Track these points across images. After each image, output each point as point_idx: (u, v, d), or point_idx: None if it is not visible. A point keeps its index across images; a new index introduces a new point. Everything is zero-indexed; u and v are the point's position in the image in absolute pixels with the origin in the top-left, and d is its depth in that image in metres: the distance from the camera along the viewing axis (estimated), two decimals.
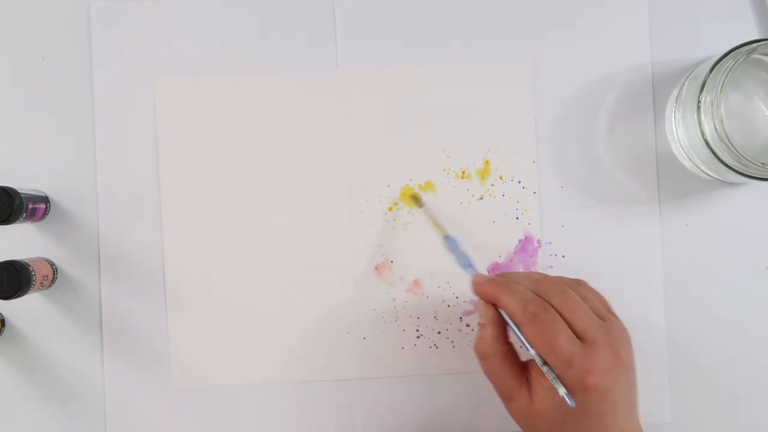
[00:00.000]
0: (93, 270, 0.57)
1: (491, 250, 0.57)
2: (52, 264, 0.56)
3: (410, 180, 0.57)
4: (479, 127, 0.57)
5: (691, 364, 0.56)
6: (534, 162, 0.57)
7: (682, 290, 0.57)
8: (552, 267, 0.57)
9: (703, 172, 0.55)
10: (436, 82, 0.57)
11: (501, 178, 0.57)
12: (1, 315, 0.56)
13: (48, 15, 0.57)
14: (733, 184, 0.56)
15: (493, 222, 0.57)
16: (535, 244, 0.57)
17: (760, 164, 0.50)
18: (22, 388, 0.56)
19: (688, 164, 0.56)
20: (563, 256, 0.57)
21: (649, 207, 0.57)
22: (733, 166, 0.50)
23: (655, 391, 0.56)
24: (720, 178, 0.55)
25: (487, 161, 0.57)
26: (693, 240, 0.57)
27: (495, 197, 0.57)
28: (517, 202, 0.57)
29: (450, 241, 0.53)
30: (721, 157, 0.51)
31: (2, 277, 0.51)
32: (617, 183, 0.57)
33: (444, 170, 0.57)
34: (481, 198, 0.57)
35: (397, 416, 0.57)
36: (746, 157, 0.50)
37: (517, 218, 0.57)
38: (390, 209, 0.57)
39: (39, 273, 0.53)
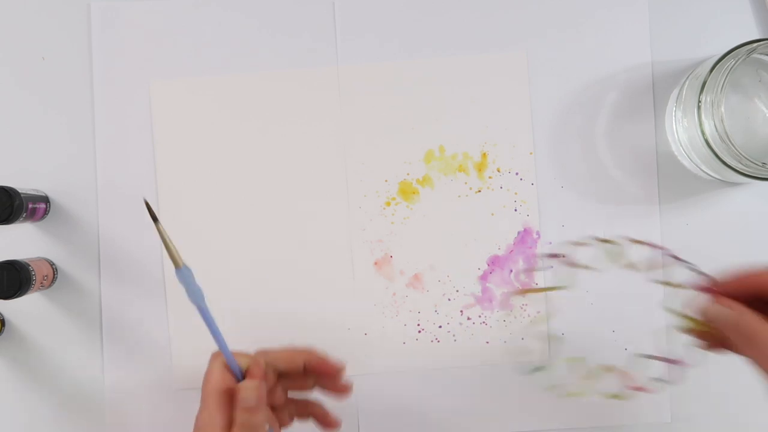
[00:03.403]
0: (93, 270, 0.57)
1: (491, 243, 0.57)
2: (52, 264, 0.56)
3: (407, 174, 0.57)
4: (476, 121, 0.57)
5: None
6: (531, 153, 0.57)
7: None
8: (552, 267, 0.57)
9: (703, 171, 0.55)
10: (434, 78, 0.57)
11: (498, 171, 0.57)
12: (1, 315, 0.56)
13: (48, 15, 0.57)
14: (733, 184, 0.56)
15: (492, 214, 0.57)
16: (534, 236, 0.57)
17: (760, 164, 0.50)
18: (22, 388, 0.56)
19: (688, 164, 0.56)
20: (563, 256, 0.57)
21: (649, 207, 0.57)
22: (733, 166, 0.50)
23: None
24: (720, 178, 0.55)
25: (485, 154, 0.57)
26: (693, 240, 0.57)
27: (493, 190, 0.57)
28: (515, 194, 0.57)
29: (184, 273, 0.45)
30: (721, 157, 0.51)
31: (2, 277, 0.51)
32: (617, 183, 0.57)
33: (441, 164, 0.57)
34: (479, 191, 0.57)
35: (400, 411, 0.57)
36: (746, 156, 0.50)
37: (515, 210, 0.57)
38: (388, 204, 0.57)
39: (39, 273, 0.53)
